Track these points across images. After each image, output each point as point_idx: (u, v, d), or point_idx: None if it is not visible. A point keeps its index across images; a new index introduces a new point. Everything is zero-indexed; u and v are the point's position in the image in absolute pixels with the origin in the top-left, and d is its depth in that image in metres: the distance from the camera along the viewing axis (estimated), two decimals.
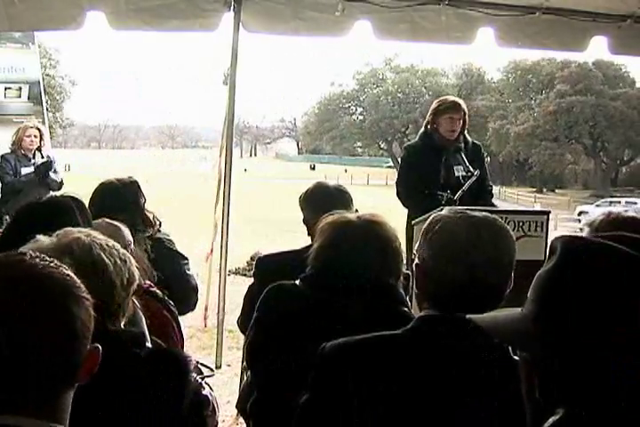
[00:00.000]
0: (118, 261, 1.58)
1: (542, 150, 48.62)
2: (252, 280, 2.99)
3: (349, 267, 2.05)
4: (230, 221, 5.03)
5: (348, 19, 4.83)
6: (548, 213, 4.16)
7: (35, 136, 6.02)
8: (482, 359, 1.52)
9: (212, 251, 5.53)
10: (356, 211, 2.54)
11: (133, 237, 2.58)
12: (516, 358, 1.21)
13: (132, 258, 1.65)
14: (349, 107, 62.39)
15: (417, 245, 1.70)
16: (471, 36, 5.10)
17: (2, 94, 7.79)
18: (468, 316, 1.12)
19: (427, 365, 1.54)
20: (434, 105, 4.72)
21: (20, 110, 7.78)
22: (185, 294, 3.15)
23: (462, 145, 4.66)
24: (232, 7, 4.73)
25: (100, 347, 1.16)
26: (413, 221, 3.94)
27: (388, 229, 2.11)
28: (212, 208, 5.39)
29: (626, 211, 2.24)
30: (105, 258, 1.56)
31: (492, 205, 4.67)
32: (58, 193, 4.73)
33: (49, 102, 30.45)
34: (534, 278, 1.01)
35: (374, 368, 1.54)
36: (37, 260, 1.14)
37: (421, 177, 4.54)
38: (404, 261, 2.17)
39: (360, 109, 61.30)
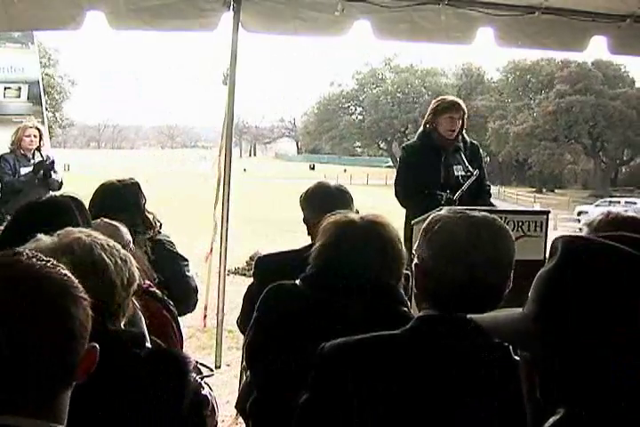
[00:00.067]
0: (119, 262, 1.58)
1: (542, 150, 48.66)
2: (251, 280, 2.99)
3: (349, 267, 2.05)
4: (230, 221, 5.03)
5: (347, 18, 4.83)
6: (547, 213, 4.16)
7: (34, 136, 6.00)
8: (482, 359, 1.52)
9: (211, 251, 5.52)
10: (357, 211, 2.54)
11: (133, 237, 2.59)
12: (516, 357, 1.21)
13: (132, 258, 1.65)
14: (349, 107, 62.44)
15: (416, 244, 1.70)
16: (471, 35, 5.10)
17: (1, 94, 7.79)
18: (468, 316, 1.12)
19: (426, 365, 1.54)
20: (433, 105, 4.71)
21: (19, 110, 7.77)
22: (185, 295, 3.16)
23: (461, 145, 4.65)
24: (231, 7, 4.73)
25: (97, 346, 1.15)
26: (413, 221, 3.94)
27: (390, 230, 2.11)
28: (212, 208, 5.39)
29: (625, 211, 2.24)
30: (105, 258, 1.56)
31: (491, 204, 4.66)
32: (57, 193, 4.73)
33: (48, 102, 30.48)
34: (535, 278, 1.01)
35: (374, 368, 1.54)
36: (34, 260, 1.13)
37: (420, 177, 4.52)
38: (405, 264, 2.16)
39: (359, 109, 61.35)
